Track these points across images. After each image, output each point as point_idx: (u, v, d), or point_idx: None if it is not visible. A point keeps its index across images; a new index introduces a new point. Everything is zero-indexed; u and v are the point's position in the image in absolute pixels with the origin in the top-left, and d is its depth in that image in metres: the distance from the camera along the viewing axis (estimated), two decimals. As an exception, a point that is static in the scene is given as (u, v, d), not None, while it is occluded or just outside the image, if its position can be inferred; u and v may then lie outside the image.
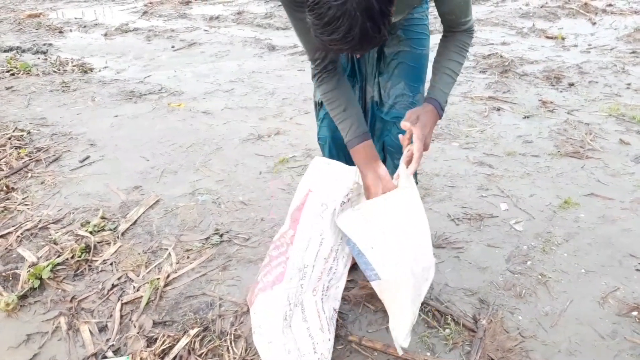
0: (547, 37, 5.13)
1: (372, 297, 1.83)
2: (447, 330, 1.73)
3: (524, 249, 2.13)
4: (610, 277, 1.96)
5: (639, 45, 4.71)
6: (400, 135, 1.45)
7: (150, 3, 8.19)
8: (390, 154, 1.69)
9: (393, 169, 1.55)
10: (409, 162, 1.39)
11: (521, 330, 1.73)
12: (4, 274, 2.16)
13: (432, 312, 1.81)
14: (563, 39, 5.03)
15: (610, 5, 6.03)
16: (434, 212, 2.40)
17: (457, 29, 1.44)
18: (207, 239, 2.30)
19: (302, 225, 1.42)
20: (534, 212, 2.37)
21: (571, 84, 3.90)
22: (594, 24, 5.52)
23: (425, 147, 1.40)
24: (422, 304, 1.84)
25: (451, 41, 1.45)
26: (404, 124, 1.39)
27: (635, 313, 1.78)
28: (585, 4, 6.02)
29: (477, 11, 6.25)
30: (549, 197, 2.49)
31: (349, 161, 1.74)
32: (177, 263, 2.16)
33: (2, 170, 2.99)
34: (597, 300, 1.85)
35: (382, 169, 1.44)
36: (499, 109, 3.54)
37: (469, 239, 2.20)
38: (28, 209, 2.61)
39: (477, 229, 2.27)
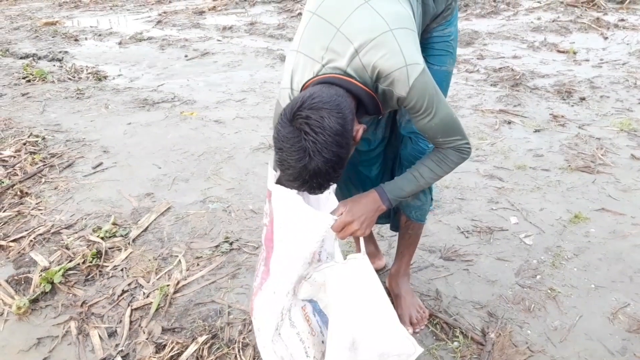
0: (559, 51, 5.13)
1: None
2: (456, 343, 1.73)
3: (534, 263, 2.13)
4: (621, 293, 1.95)
5: (651, 61, 4.70)
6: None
7: (165, 13, 8.30)
8: (403, 167, 1.70)
9: None
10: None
11: (530, 344, 1.72)
12: (16, 277, 2.19)
13: (440, 324, 1.81)
14: (575, 53, 5.03)
15: (622, 20, 6.02)
16: (444, 224, 2.41)
17: (439, 147, 1.41)
18: (217, 246, 2.31)
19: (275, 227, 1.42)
20: (544, 226, 2.36)
21: (582, 99, 3.89)
22: (606, 38, 5.51)
23: (355, 235, 1.39)
24: (431, 315, 1.84)
25: (435, 151, 1.42)
26: (335, 212, 1.38)
27: (645, 330, 1.76)
28: (597, 18, 6.02)
29: (489, 25, 6.27)
30: (559, 211, 2.49)
31: (359, 190, 1.75)
32: (187, 270, 2.17)
33: (17, 175, 3.04)
34: (607, 316, 1.84)
35: None
36: (509, 122, 3.54)
37: (479, 251, 2.20)
38: (41, 213, 2.64)
39: (487, 242, 2.27)
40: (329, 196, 1.45)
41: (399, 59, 1.25)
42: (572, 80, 4.29)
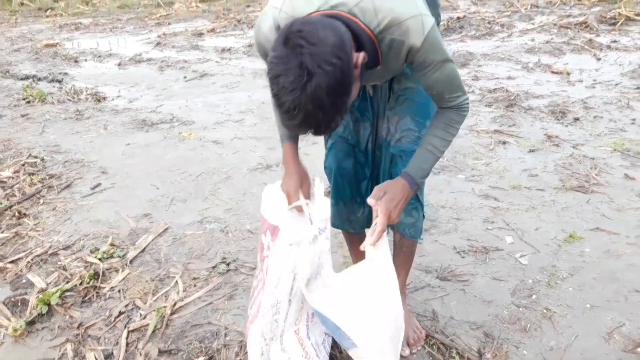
0: (553, 72, 5.20)
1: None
2: (452, 364, 1.73)
3: (529, 282, 2.14)
4: (616, 313, 1.96)
5: (643, 81, 4.76)
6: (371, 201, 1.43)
7: (164, 34, 8.40)
8: None
9: None
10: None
11: (526, 365, 1.73)
12: (13, 299, 2.19)
13: (437, 345, 1.82)
14: (568, 74, 5.10)
15: (614, 41, 6.12)
16: (440, 244, 2.42)
17: (443, 105, 1.43)
18: (214, 267, 2.32)
19: (270, 264, 1.44)
20: (539, 246, 2.38)
21: (576, 119, 3.94)
22: (599, 59, 5.60)
23: (392, 220, 1.40)
24: (427, 336, 1.84)
25: (438, 118, 1.44)
26: (370, 201, 1.40)
27: (641, 349, 1.77)
28: (590, 40, 6.11)
29: (483, 46, 6.37)
30: (554, 231, 2.51)
31: (353, 192, 1.77)
32: (184, 291, 2.18)
33: (15, 196, 3.06)
34: (603, 336, 1.84)
35: (302, 169, 1.56)
36: (504, 143, 3.58)
37: (475, 271, 2.21)
38: (39, 234, 2.65)
39: (483, 261, 2.28)
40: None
41: (414, 7, 1.24)
42: (566, 101, 4.35)
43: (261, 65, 6.19)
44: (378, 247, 1.40)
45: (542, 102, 4.37)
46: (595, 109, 4.16)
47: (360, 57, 1.17)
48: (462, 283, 2.14)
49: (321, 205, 1.47)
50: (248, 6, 10.26)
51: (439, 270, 2.22)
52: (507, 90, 4.67)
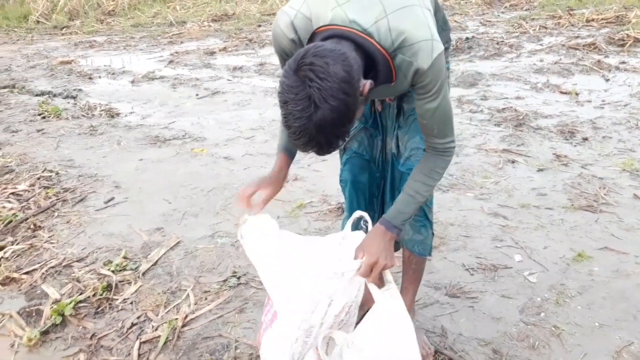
0: (561, 93, 5.23)
1: None
2: (461, 380, 1.74)
3: (538, 300, 2.15)
4: (625, 332, 1.96)
5: (652, 102, 4.78)
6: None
7: (177, 53, 8.54)
8: None
9: None
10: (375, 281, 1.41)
11: (535, 382, 1.73)
12: (27, 309, 2.23)
13: (445, 361, 1.83)
14: (577, 94, 5.12)
15: (623, 62, 6.14)
16: (449, 261, 2.44)
17: (430, 142, 1.46)
18: (224, 281, 2.35)
19: (307, 289, 1.44)
20: (547, 264, 2.39)
21: (585, 139, 3.96)
22: (608, 80, 5.62)
23: (387, 265, 1.40)
24: (436, 352, 1.86)
25: (423, 162, 1.48)
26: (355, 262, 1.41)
27: (650, 369, 1.77)
28: (599, 61, 6.15)
29: (492, 66, 6.42)
30: (563, 249, 2.52)
31: (367, 206, 1.80)
32: (195, 304, 2.21)
33: (30, 209, 3.12)
34: (612, 355, 1.85)
35: (280, 179, 1.61)
36: (513, 162, 3.60)
37: (484, 289, 2.22)
38: (53, 247, 2.70)
39: (492, 279, 2.29)
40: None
41: (426, 31, 1.29)
42: (574, 121, 4.37)
43: (272, 83, 6.29)
44: (385, 294, 1.40)
45: (550, 121, 4.40)
46: (604, 129, 4.17)
47: (367, 85, 1.23)
48: (471, 300, 2.15)
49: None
50: (259, 26, 10.42)
51: (448, 287, 2.24)
52: (515, 110, 4.70)
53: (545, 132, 4.16)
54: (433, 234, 1.79)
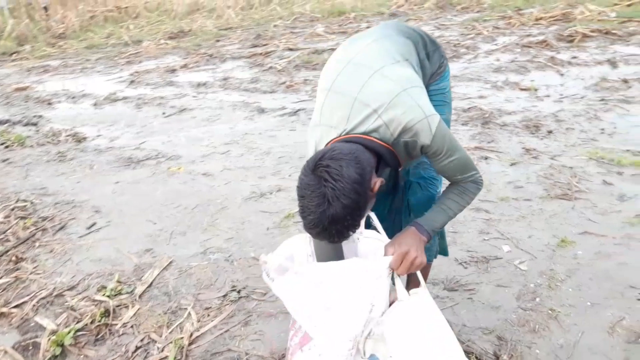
0: (521, 89, 5.45)
1: None
2: (471, 369, 1.80)
3: (531, 286, 2.24)
4: (615, 308, 2.07)
5: (606, 93, 5.04)
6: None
7: (136, 72, 8.42)
8: (413, 212, 1.81)
9: None
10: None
11: (541, 364, 1.81)
12: (23, 343, 2.17)
13: (453, 352, 1.88)
14: (536, 90, 5.35)
15: (574, 57, 6.45)
16: (442, 257, 2.50)
17: (456, 182, 1.55)
18: (224, 296, 2.35)
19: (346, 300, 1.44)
20: (535, 252, 2.50)
21: (550, 132, 4.15)
22: (562, 75, 5.89)
23: (417, 264, 1.44)
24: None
25: (454, 185, 1.56)
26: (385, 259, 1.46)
27: (644, 341, 1.88)
28: (552, 57, 6.43)
29: (452, 68, 6.55)
30: (546, 237, 2.63)
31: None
32: (199, 322, 2.20)
33: (9, 241, 3.02)
34: (607, 330, 1.95)
35: None
36: (486, 158, 3.73)
37: (479, 280, 2.31)
38: (40, 277, 2.63)
39: (485, 270, 2.38)
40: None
41: (418, 113, 1.40)
42: (537, 115, 4.56)
43: (239, 97, 6.29)
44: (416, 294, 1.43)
45: (515, 117, 4.58)
46: (566, 121, 4.38)
47: (377, 183, 1.38)
48: (469, 292, 2.23)
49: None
50: (218, 41, 10.39)
51: (445, 281, 2.31)
52: (480, 109, 4.87)
53: (511, 128, 4.32)
54: (438, 239, 1.86)
